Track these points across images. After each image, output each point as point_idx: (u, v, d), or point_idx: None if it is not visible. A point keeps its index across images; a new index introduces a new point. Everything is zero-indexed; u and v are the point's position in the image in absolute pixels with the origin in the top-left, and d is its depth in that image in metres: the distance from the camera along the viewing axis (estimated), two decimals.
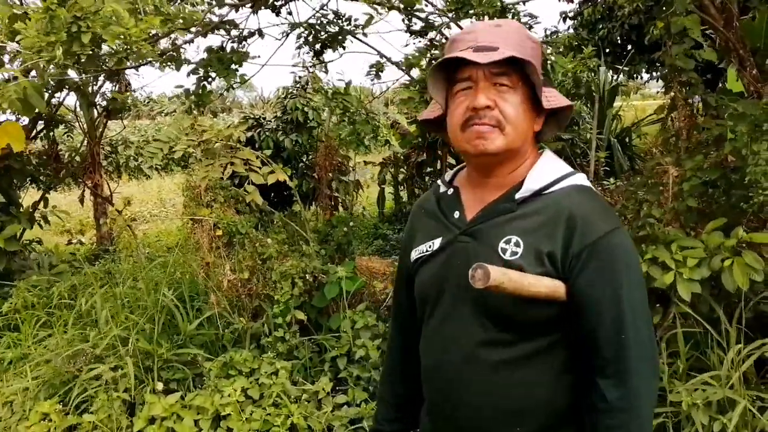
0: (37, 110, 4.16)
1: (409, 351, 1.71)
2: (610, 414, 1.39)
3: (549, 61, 4.80)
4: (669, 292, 3.26)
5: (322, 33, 5.57)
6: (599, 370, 1.41)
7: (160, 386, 3.79)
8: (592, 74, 9.01)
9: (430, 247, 1.58)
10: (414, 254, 1.63)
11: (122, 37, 3.22)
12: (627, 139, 10.36)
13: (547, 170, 1.51)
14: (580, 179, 1.51)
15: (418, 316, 1.65)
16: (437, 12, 5.18)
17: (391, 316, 1.88)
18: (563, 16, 12.03)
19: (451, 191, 1.61)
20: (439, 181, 1.69)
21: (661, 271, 3.23)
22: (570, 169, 1.53)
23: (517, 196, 1.48)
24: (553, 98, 1.49)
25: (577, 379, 1.48)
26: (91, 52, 3.42)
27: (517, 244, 1.43)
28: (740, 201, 3.41)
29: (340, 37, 5.56)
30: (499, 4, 4.59)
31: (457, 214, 1.55)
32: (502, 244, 1.45)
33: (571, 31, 11.75)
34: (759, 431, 2.87)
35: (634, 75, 12.50)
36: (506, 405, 1.47)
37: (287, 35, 5.70)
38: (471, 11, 4.46)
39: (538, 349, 1.46)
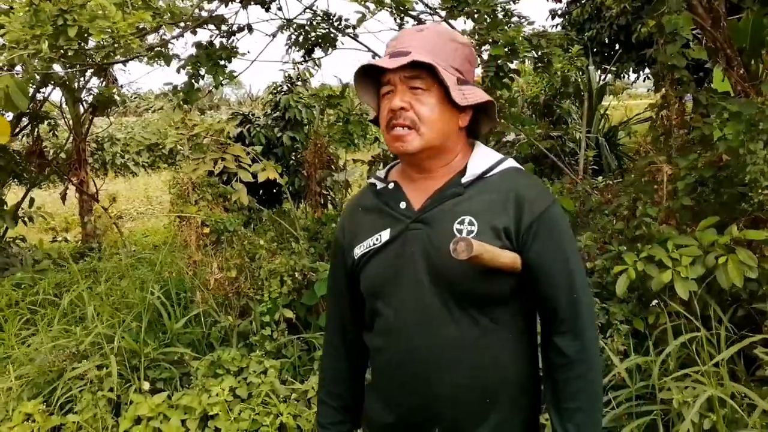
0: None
1: (351, 353, 1.78)
2: (570, 366, 1.52)
3: (545, 55, 4.80)
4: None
5: (312, 35, 5.54)
6: (556, 330, 1.54)
7: (146, 386, 3.74)
8: (581, 73, 9.04)
9: (377, 240, 1.61)
10: (358, 251, 1.65)
11: (109, 31, 3.16)
12: (615, 138, 10.41)
13: (485, 157, 1.61)
14: (513, 162, 1.63)
15: (367, 313, 1.67)
16: (429, 11, 5.16)
17: (327, 322, 1.88)
18: (552, 13, 12.06)
19: (392, 185, 1.65)
20: (372, 179, 1.74)
21: (657, 270, 3.23)
22: (501, 155, 1.64)
23: (463, 180, 1.57)
24: (470, 95, 1.56)
25: (534, 350, 1.61)
26: (77, 47, 3.36)
27: (471, 223, 1.51)
28: (732, 199, 3.42)
29: (331, 37, 5.53)
30: (493, 2, 4.57)
31: (403, 205, 1.60)
32: (456, 225, 1.52)
33: (560, 29, 11.77)
34: (749, 428, 2.86)
35: (622, 75, 12.55)
36: (479, 385, 1.54)
37: (276, 35, 5.67)
38: (465, 9, 4.43)
39: (501, 324, 1.55)
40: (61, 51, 3.28)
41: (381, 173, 1.72)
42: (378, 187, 1.68)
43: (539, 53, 4.72)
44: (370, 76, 1.61)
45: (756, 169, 3.14)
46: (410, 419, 1.59)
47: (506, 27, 4.39)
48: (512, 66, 4.55)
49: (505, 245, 1.50)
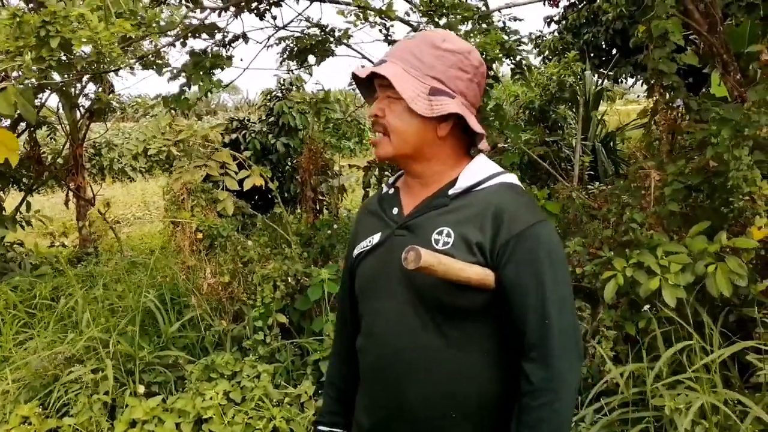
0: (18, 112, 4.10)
1: (350, 353, 1.78)
2: (534, 394, 1.46)
3: (524, 62, 4.81)
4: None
5: (308, 44, 5.59)
6: (525, 355, 1.48)
7: (141, 389, 3.76)
8: (577, 78, 9.03)
9: (370, 241, 1.67)
10: (356, 251, 1.71)
11: (92, 41, 3.17)
12: (611, 144, 10.38)
13: (479, 170, 1.60)
14: (510, 178, 1.61)
15: (359, 315, 1.72)
16: (422, 22, 5.19)
17: (336, 318, 1.96)
18: (548, 20, 12.05)
19: (392, 191, 1.71)
20: (383, 185, 1.80)
21: (646, 276, 3.24)
22: (501, 169, 1.63)
23: (450, 192, 1.58)
24: (437, 107, 1.54)
25: (508, 369, 1.55)
26: (63, 57, 3.38)
27: (448, 235, 1.52)
28: (723, 205, 3.43)
29: (324, 48, 5.57)
30: (474, 10, 4.57)
31: (395, 211, 1.65)
32: (434, 235, 1.53)
33: (556, 35, 11.75)
34: None
35: (619, 79, 12.53)
36: (446, 397, 1.53)
37: (269, 45, 5.72)
38: (444, 19, 4.44)
39: (471, 339, 1.53)
40: (46, 62, 3.29)
41: (392, 179, 1.77)
42: (383, 191, 1.74)
43: (517, 58, 4.70)
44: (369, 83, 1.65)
45: (740, 175, 3.15)
46: (385, 423, 1.61)
47: (485, 34, 4.37)
48: (491, 72, 4.55)
49: (479, 261, 1.49)
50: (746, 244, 3.16)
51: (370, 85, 1.65)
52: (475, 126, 1.58)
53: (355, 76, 1.65)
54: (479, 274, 1.48)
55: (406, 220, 1.61)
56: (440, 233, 1.53)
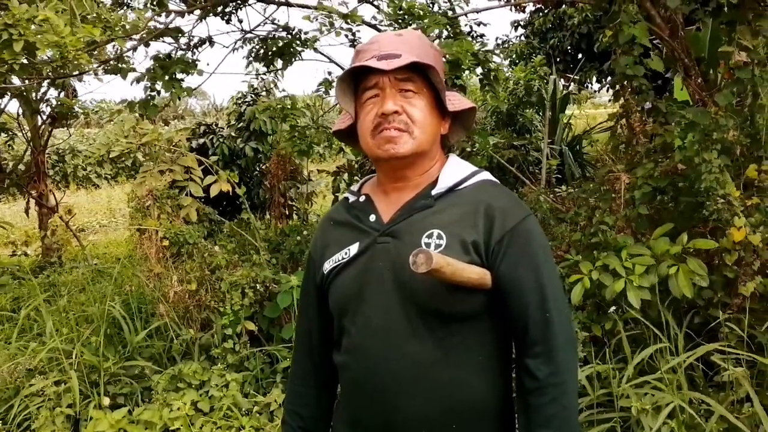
0: None
1: (318, 376, 1.72)
2: (542, 391, 1.43)
3: (492, 71, 4.83)
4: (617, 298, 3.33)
5: (274, 47, 5.57)
6: (527, 351, 1.46)
7: (106, 401, 3.69)
8: (544, 82, 9.14)
9: (346, 254, 1.57)
10: (327, 266, 1.60)
11: (58, 46, 3.10)
12: (578, 147, 10.50)
13: (458, 168, 1.58)
14: (488, 175, 1.60)
15: (336, 331, 1.63)
16: (389, 25, 5.20)
17: (295, 341, 1.83)
18: (514, 24, 12.18)
19: (362, 198, 1.62)
20: (346, 194, 1.70)
21: (611, 279, 3.27)
22: (476, 167, 1.61)
23: (434, 192, 1.53)
24: (456, 101, 1.55)
25: (505, 373, 1.55)
26: (25, 61, 3.30)
27: (440, 237, 1.47)
28: (689, 208, 3.47)
29: (291, 50, 5.55)
30: (445, 19, 4.58)
31: (373, 218, 1.57)
32: (424, 239, 1.47)
33: (523, 39, 11.89)
34: None
35: (584, 83, 12.69)
36: (443, 408, 1.47)
37: (236, 48, 5.70)
38: (415, 25, 4.45)
39: (469, 344, 1.49)
40: (8, 65, 3.21)
41: (355, 187, 1.69)
42: (350, 201, 1.65)
43: (485, 69, 4.73)
44: (349, 81, 1.55)
45: (711, 178, 3.19)
46: None
47: (457, 42, 4.38)
48: (459, 81, 4.55)
49: (474, 260, 1.45)
50: (706, 245, 3.21)
51: (346, 84, 1.55)
52: (471, 123, 1.62)
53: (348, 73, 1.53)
54: (479, 273, 1.45)
55: (388, 227, 1.53)
56: (431, 236, 1.47)
